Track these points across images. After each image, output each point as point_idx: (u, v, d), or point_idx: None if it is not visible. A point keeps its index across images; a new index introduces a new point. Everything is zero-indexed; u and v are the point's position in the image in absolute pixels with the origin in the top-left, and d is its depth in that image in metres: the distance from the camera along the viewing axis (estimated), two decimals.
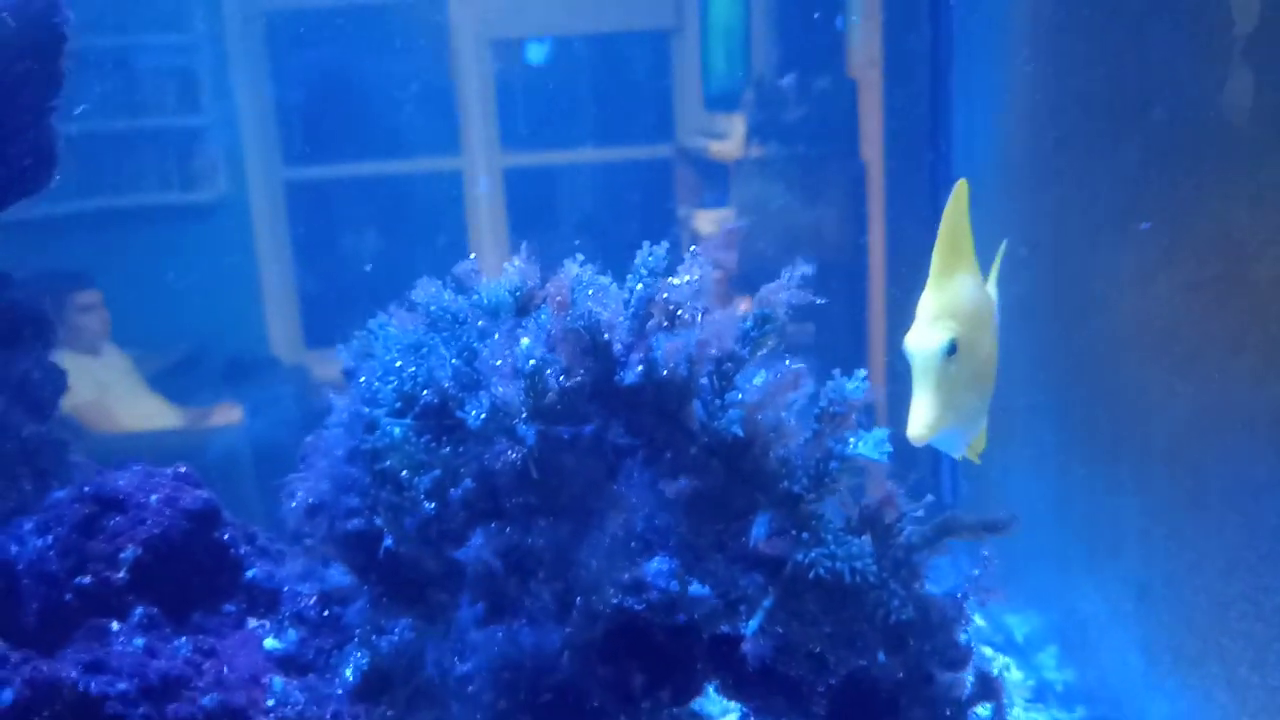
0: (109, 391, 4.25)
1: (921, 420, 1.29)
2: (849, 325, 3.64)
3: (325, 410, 1.54)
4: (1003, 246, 1.56)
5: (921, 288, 1.39)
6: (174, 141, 4.85)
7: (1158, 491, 1.95)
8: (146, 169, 4.85)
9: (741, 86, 4.28)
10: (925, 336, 1.30)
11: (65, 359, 4.02)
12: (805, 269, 1.37)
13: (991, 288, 1.49)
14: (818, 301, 1.39)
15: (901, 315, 1.36)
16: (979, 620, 2.58)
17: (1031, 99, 2.47)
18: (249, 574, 1.62)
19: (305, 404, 4.47)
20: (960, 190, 1.33)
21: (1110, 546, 2.11)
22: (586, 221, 4.99)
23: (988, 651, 2.37)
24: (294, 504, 1.50)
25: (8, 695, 1.29)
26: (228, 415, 4.47)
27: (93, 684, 1.33)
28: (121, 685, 1.35)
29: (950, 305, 1.32)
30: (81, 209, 4.66)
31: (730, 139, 4.44)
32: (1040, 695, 2.23)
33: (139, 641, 1.43)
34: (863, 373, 1.36)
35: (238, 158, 4.94)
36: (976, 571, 1.35)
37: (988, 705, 1.47)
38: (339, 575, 1.54)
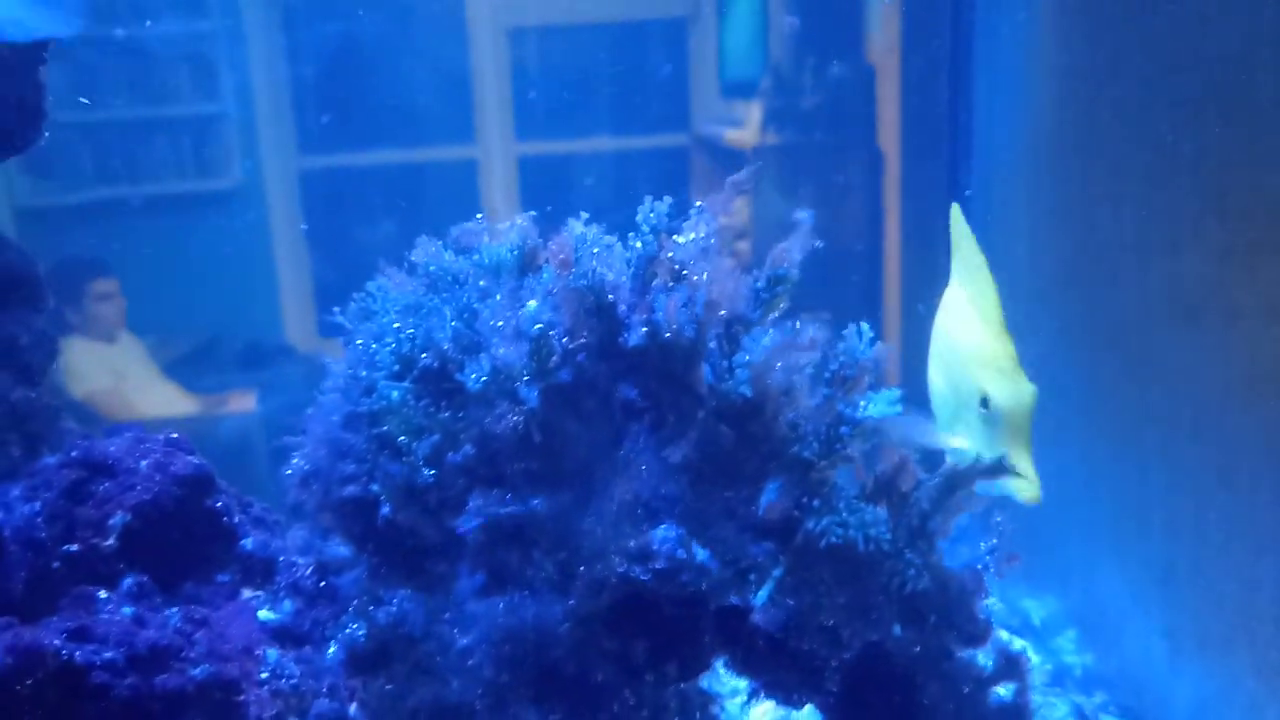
0: (125, 379, 4.25)
1: (1034, 478, 1.24)
2: (865, 313, 3.58)
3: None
4: (954, 210, 1.44)
5: (937, 277, 1.33)
6: (190, 129, 4.84)
7: (1185, 468, 1.89)
8: (162, 157, 4.84)
9: (759, 74, 4.23)
10: (1018, 389, 1.25)
11: (82, 346, 4.05)
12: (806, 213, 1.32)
13: (960, 266, 1.41)
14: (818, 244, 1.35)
15: (916, 304, 1.31)
16: (995, 604, 2.53)
17: (1057, 68, 2.41)
18: (244, 543, 1.57)
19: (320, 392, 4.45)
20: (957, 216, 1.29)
21: (1134, 526, 2.06)
22: (601, 211, 4.92)
23: (1004, 635, 2.32)
24: (289, 472, 1.46)
25: None
26: (242, 403, 4.46)
27: (78, 653, 1.28)
28: (108, 654, 1.30)
29: (1012, 348, 1.27)
30: (98, 197, 4.66)
31: (747, 127, 4.40)
32: (1058, 679, 2.18)
33: (127, 610, 1.38)
34: (871, 333, 1.31)
35: (253, 146, 4.93)
36: (994, 540, 1.29)
37: (1009, 685, 1.41)
38: (336, 545, 1.49)
